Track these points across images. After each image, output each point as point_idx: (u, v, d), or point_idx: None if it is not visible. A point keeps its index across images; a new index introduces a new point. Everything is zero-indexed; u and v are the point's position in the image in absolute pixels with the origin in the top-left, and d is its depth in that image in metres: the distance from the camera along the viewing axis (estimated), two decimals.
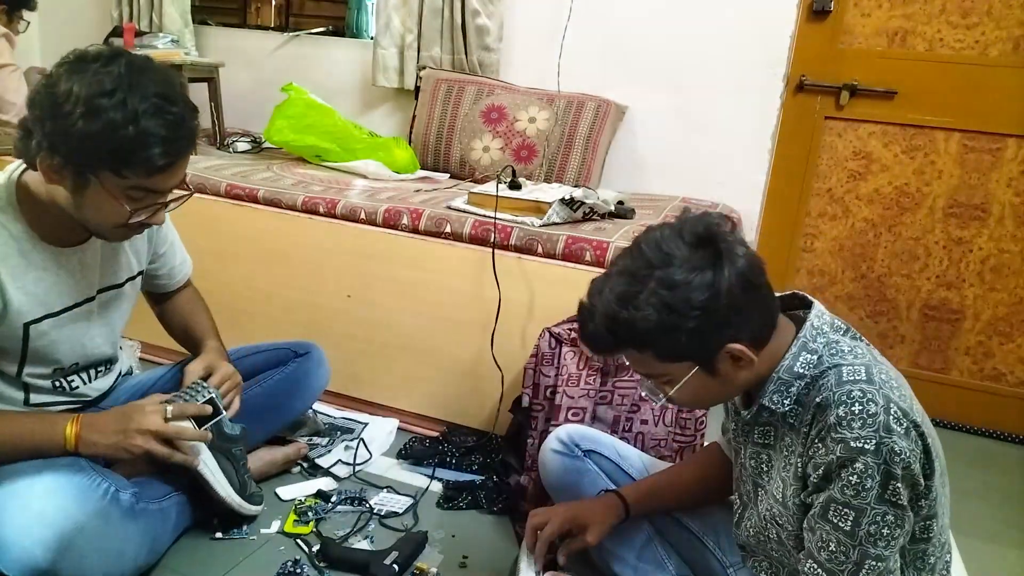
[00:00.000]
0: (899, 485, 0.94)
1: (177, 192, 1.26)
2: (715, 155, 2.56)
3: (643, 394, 1.17)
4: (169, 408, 1.32)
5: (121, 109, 1.09)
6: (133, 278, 1.46)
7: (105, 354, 1.46)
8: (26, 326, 1.26)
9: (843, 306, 2.55)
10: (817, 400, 1.00)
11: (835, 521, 0.97)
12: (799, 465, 1.04)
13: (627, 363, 1.10)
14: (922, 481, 0.97)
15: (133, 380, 1.60)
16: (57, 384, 1.38)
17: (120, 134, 1.10)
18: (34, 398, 1.35)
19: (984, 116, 2.30)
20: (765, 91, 2.48)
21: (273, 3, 3.20)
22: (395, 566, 1.42)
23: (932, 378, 2.48)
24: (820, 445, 0.99)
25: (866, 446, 0.93)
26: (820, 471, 0.98)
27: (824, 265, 2.56)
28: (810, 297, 1.10)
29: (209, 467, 1.42)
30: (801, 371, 1.03)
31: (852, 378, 0.98)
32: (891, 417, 0.94)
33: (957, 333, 2.46)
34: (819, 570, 1.00)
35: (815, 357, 1.03)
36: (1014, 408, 2.42)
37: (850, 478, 0.94)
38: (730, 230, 1.00)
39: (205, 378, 1.45)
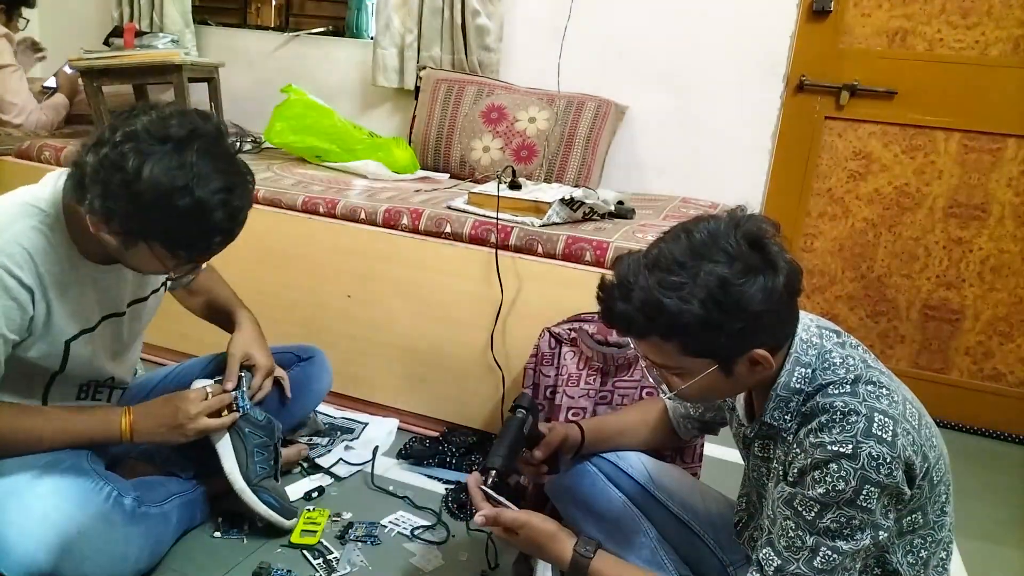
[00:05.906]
0: (873, 490, 0.93)
1: None
2: (715, 155, 2.56)
3: (651, 381, 1.15)
4: (209, 392, 1.45)
5: (190, 202, 1.10)
6: (157, 290, 1.49)
7: (133, 365, 1.50)
8: (67, 343, 1.28)
9: (843, 306, 2.55)
10: (803, 410, 1.02)
11: (799, 509, 0.98)
12: (781, 472, 1.05)
13: (633, 348, 1.07)
14: (907, 489, 0.97)
15: (137, 380, 1.62)
16: (82, 397, 1.40)
17: (186, 224, 1.12)
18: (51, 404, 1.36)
19: (984, 116, 2.30)
20: (765, 91, 2.48)
21: (273, 3, 3.19)
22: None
23: (932, 378, 2.48)
24: (799, 450, 1.00)
25: (842, 450, 0.94)
26: (795, 470, 0.99)
27: (824, 265, 2.56)
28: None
29: (221, 441, 1.46)
30: (798, 386, 1.03)
31: (837, 392, 1.00)
32: (874, 425, 0.95)
33: (957, 333, 2.46)
34: (773, 556, 1.00)
35: (809, 371, 1.03)
36: (1014, 408, 2.42)
37: (824, 478, 0.95)
38: (774, 235, 0.98)
39: (246, 366, 1.54)
